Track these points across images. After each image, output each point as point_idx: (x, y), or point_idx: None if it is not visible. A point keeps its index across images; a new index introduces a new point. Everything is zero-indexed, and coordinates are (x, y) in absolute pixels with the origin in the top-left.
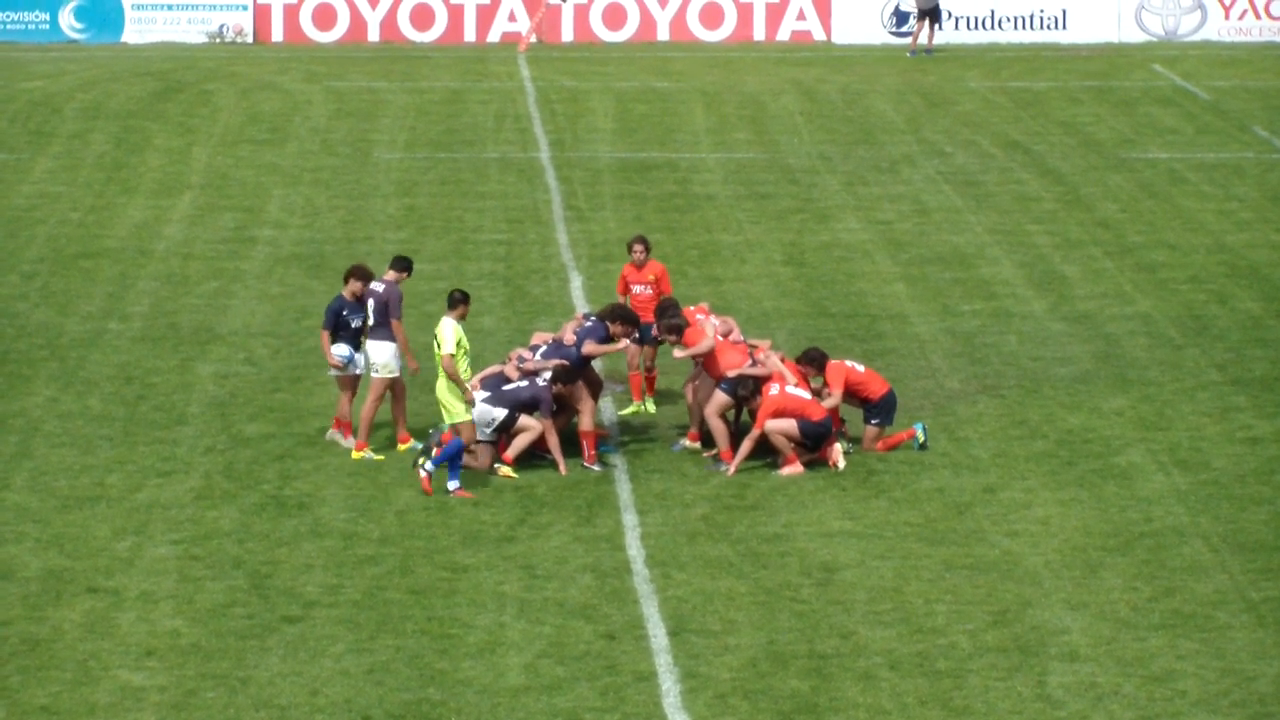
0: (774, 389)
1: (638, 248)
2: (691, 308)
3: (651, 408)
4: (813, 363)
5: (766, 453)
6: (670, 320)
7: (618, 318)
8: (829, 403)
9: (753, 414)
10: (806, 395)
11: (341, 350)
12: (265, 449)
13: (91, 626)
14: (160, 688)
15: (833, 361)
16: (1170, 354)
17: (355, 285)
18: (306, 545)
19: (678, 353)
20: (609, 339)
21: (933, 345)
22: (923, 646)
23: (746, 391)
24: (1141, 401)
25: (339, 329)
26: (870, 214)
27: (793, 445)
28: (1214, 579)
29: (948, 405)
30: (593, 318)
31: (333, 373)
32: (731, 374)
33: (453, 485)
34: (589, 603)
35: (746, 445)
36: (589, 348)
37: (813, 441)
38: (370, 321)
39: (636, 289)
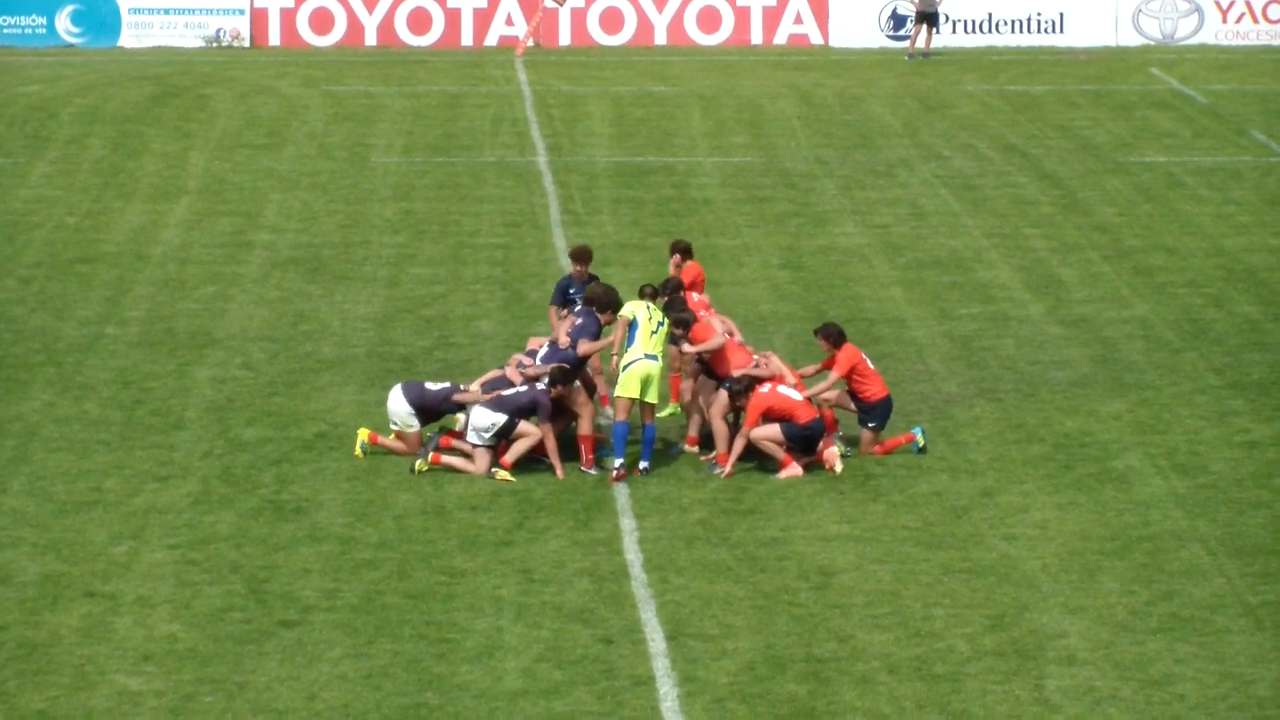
0: (764, 387)
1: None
2: (695, 298)
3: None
4: (829, 337)
5: (763, 456)
6: (679, 314)
7: (606, 306)
8: (823, 385)
9: (743, 411)
10: (797, 397)
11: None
12: (263, 453)
13: (88, 631)
14: (157, 692)
15: (849, 344)
16: (1168, 358)
17: (580, 268)
18: (304, 550)
19: (685, 347)
20: (600, 333)
21: (930, 349)
22: (920, 650)
23: (739, 388)
24: (1139, 405)
25: (565, 306)
26: (867, 218)
27: (784, 447)
28: (1212, 583)
29: (945, 409)
30: (580, 309)
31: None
32: (737, 373)
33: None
34: (587, 607)
35: (739, 443)
36: (583, 347)
37: (801, 445)
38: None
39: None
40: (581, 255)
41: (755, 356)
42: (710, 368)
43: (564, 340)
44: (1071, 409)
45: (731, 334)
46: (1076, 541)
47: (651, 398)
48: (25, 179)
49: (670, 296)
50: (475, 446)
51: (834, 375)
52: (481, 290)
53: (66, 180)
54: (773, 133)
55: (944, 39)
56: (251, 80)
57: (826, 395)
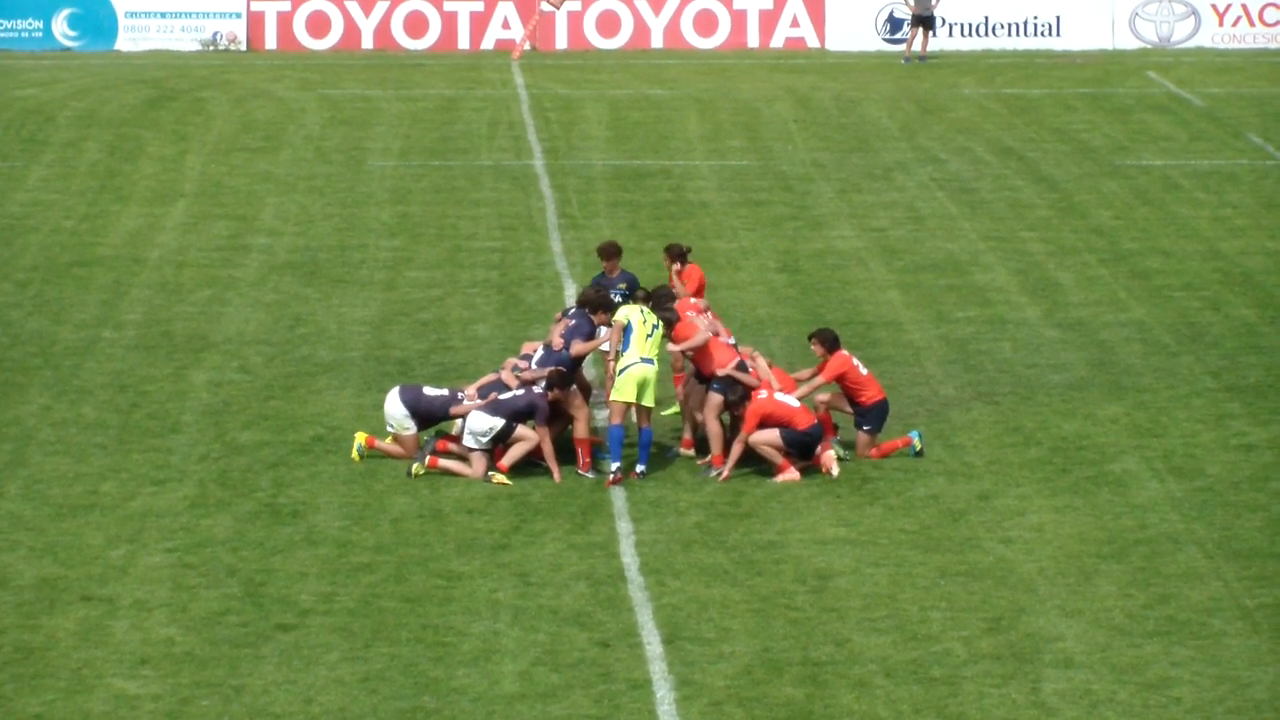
0: (762, 394)
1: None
2: (693, 300)
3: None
4: (824, 342)
5: (761, 459)
6: (663, 312)
7: (600, 308)
8: (806, 387)
9: (741, 419)
10: (795, 403)
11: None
12: (259, 457)
13: (85, 635)
14: (154, 696)
15: (842, 351)
16: (1165, 361)
17: (611, 263)
18: (301, 553)
19: (669, 346)
20: (594, 333)
21: (927, 352)
22: (917, 654)
23: (735, 397)
24: (1136, 408)
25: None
26: (864, 221)
27: (782, 452)
28: (1209, 586)
29: (942, 412)
30: (573, 310)
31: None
32: (721, 373)
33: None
34: (583, 610)
35: (736, 448)
36: (576, 348)
37: (799, 450)
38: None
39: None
40: (606, 251)
41: (745, 359)
42: (697, 368)
43: (558, 343)
44: (1068, 412)
45: (717, 334)
46: (1073, 545)
47: (648, 401)
48: (22, 183)
49: (657, 291)
50: (471, 450)
51: (818, 380)
52: (478, 294)
53: (63, 184)
54: (769, 136)
55: (940, 42)
56: (248, 84)
57: (821, 398)
